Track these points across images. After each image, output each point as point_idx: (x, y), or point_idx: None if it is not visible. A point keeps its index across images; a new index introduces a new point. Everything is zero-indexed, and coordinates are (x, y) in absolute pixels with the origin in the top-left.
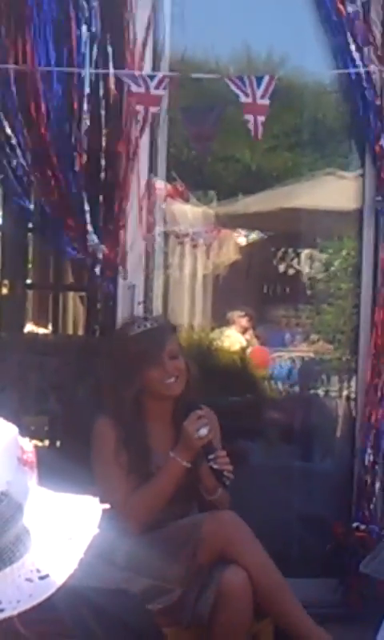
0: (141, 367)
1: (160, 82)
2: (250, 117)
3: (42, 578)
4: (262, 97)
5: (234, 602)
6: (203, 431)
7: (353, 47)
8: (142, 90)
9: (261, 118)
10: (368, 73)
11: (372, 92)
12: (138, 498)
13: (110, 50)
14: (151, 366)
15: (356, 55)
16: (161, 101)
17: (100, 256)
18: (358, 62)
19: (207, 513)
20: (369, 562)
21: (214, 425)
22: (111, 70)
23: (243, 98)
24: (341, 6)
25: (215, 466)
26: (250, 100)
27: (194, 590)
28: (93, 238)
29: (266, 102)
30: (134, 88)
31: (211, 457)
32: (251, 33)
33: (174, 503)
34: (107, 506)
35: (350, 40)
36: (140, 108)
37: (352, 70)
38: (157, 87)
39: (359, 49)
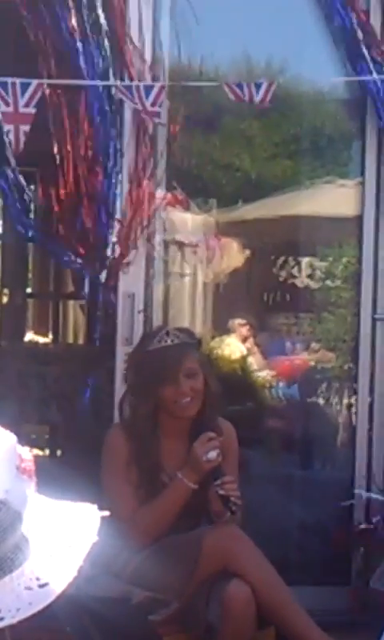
0: (156, 384)
1: (157, 95)
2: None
3: (41, 586)
4: (261, 101)
5: (238, 616)
6: (212, 454)
7: (353, 55)
8: (139, 106)
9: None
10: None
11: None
12: (144, 515)
13: (109, 60)
14: (166, 384)
15: (357, 63)
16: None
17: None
18: (360, 70)
19: (208, 527)
20: (379, 578)
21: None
22: (111, 82)
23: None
24: (341, 14)
25: (221, 492)
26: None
27: (199, 602)
28: (91, 249)
29: (266, 105)
30: (129, 104)
31: (217, 482)
32: (250, 41)
33: (182, 518)
34: (107, 513)
35: (350, 48)
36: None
37: (351, 79)
38: (155, 98)
39: (360, 56)
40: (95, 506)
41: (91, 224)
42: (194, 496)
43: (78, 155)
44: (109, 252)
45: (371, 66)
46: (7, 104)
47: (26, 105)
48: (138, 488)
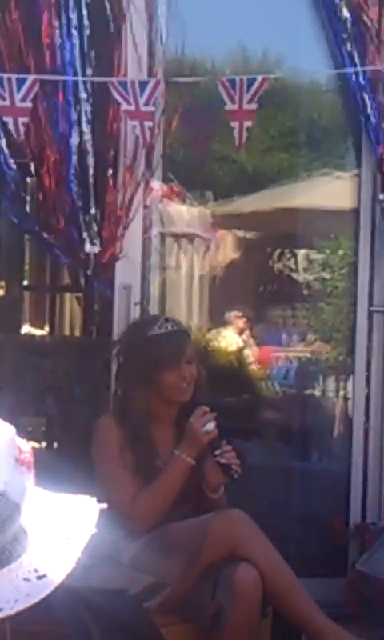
0: (158, 370)
1: (152, 91)
2: (235, 124)
3: (39, 577)
4: (250, 101)
5: (246, 600)
6: (210, 426)
7: (349, 47)
8: (133, 107)
9: (247, 124)
10: (364, 73)
11: (370, 92)
12: (145, 498)
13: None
14: (169, 370)
15: (353, 55)
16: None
17: (94, 255)
18: (355, 62)
19: (215, 512)
20: (366, 561)
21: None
22: (105, 78)
23: (229, 105)
24: (337, 6)
25: (223, 461)
26: (235, 107)
27: (204, 588)
28: (86, 241)
29: (254, 106)
30: (123, 104)
31: (217, 452)
32: (247, 33)
33: (174, 504)
34: (105, 505)
35: (346, 40)
36: (134, 123)
37: (348, 70)
38: (150, 94)
39: (355, 48)
40: (94, 499)
41: (85, 216)
42: (191, 474)
43: (68, 147)
44: (105, 244)
45: (357, 59)
46: (3, 98)
47: (23, 99)
48: (134, 473)
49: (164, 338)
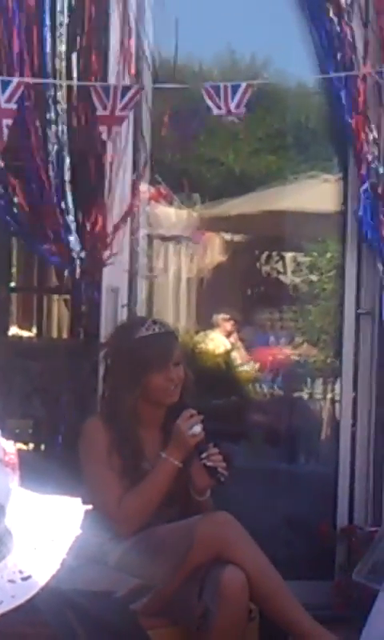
0: (146, 372)
1: (135, 93)
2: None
3: (24, 579)
4: (237, 107)
5: (233, 603)
6: (197, 429)
7: (335, 50)
8: (107, 112)
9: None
10: (351, 76)
11: (355, 95)
12: (131, 500)
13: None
14: (157, 371)
15: (338, 58)
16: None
17: (81, 257)
18: (340, 65)
19: (202, 515)
20: (360, 570)
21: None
22: (89, 83)
23: (216, 111)
24: (324, 10)
25: (209, 464)
26: (223, 112)
27: (192, 590)
28: (73, 244)
29: (241, 110)
30: (99, 109)
31: (204, 455)
32: (235, 36)
33: (161, 506)
34: (90, 507)
35: (333, 43)
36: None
37: (336, 75)
38: (130, 99)
39: (341, 51)
40: (79, 500)
41: (73, 219)
42: (177, 477)
43: (58, 148)
44: (92, 246)
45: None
46: None
47: (8, 100)
48: (121, 475)
49: (151, 340)
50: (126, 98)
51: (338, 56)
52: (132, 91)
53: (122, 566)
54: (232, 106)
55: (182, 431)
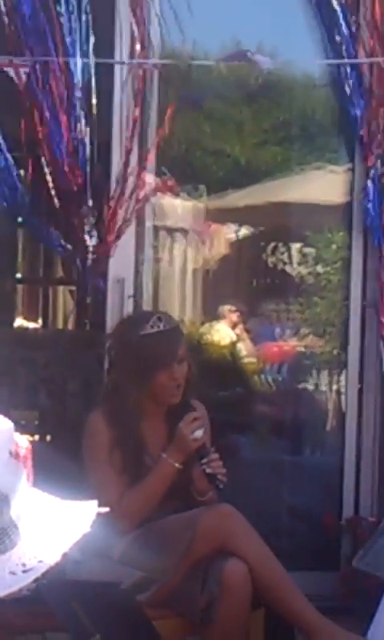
0: (150, 371)
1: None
2: None
3: (25, 571)
4: None
5: (235, 594)
6: (199, 433)
7: (341, 39)
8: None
9: None
10: (358, 65)
11: (362, 83)
12: (130, 498)
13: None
14: (161, 370)
15: (345, 47)
16: None
17: (91, 245)
18: (346, 54)
19: (204, 507)
20: (362, 558)
21: (205, 420)
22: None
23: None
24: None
25: (208, 470)
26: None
27: (195, 582)
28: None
29: None
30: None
31: (204, 461)
32: (240, 27)
33: (166, 499)
34: (106, 509)
35: (340, 32)
36: None
37: (343, 61)
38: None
39: (348, 41)
40: (95, 502)
41: (79, 209)
42: (178, 477)
43: (62, 140)
44: (98, 237)
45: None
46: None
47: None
48: (122, 472)
49: (155, 338)
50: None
51: (344, 46)
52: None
53: (126, 560)
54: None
55: (183, 434)
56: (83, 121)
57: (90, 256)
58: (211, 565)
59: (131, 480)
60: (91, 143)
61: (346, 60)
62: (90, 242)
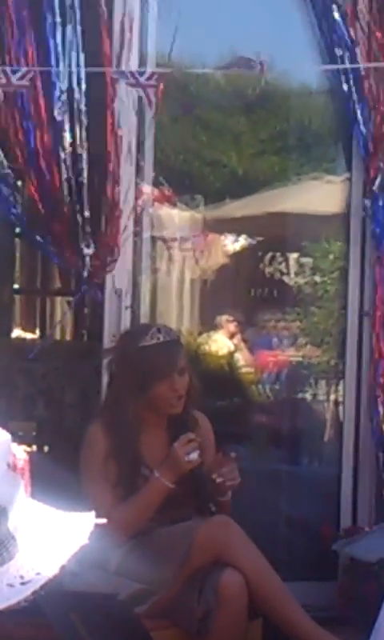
0: (150, 382)
1: (149, 78)
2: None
3: (23, 583)
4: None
5: (232, 605)
6: (193, 455)
7: (339, 50)
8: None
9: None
10: (355, 74)
11: (359, 93)
12: (120, 512)
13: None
14: (160, 381)
15: (342, 57)
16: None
17: (88, 256)
18: (345, 63)
19: (201, 518)
20: (345, 544)
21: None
22: (103, 69)
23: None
24: (328, 10)
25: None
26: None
27: (191, 593)
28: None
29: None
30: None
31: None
32: (238, 37)
33: (162, 511)
34: (104, 520)
35: (337, 42)
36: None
37: (339, 67)
38: (148, 79)
39: (346, 50)
40: (93, 514)
41: (77, 220)
42: (182, 486)
43: (62, 150)
44: (95, 248)
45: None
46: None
47: (20, 79)
48: (115, 485)
49: (155, 349)
50: (144, 76)
51: (344, 56)
52: (147, 73)
53: (123, 571)
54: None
55: (178, 456)
56: (79, 131)
57: (87, 267)
58: (208, 575)
59: (126, 492)
60: (88, 154)
61: (345, 65)
62: (87, 252)
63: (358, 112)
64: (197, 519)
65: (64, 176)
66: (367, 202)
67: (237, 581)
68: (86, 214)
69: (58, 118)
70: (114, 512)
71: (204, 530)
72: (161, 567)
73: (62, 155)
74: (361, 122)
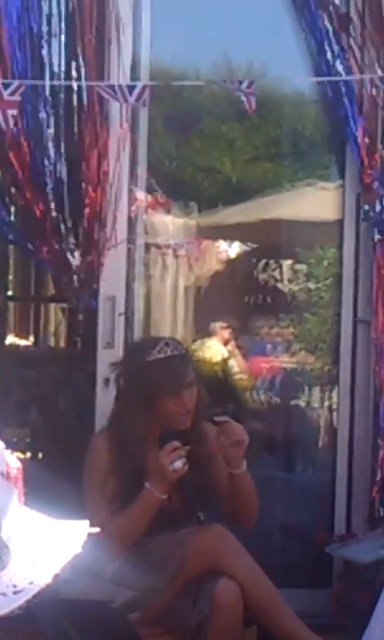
0: (157, 397)
1: (141, 93)
2: None
3: (15, 592)
4: (136, 100)
5: (227, 614)
6: (178, 464)
7: (331, 56)
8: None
9: None
10: (348, 82)
11: (352, 101)
12: (114, 525)
13: (85, 61)
14: (168, 396)
15: (336, 64)
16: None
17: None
18: (338, 71)
19: (194, 527)
20: (338, 548)
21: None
22: (93, 83)
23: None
24: (321, 17)
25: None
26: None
27: (186, 602)
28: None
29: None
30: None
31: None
32: (231, 44)
33: (157, 523)
34: (97, 529)
35: (330, 49)
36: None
37: (332, 78)
38: (138, 99)
39: (339, 58)
40: (87, 522)
41: (69, 227)
42: (168, 503)
43: (54, 157)
44: (88, 255)
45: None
46: None
47: (11, 94)
48: (114, 500)
49: (163, 363)
50: (135, 94)
51: (335, 63)
52: (138, 88)
53: (118, 579)
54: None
55: (163, 465)
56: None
57: (80, 274)
58: (202, 584)
59: (124, 507)
60: (80, 160)
61: (336, 77)
62: (79, 260)
63: (351, 121)
64: (190, 528)
65: (54, 183)
66: (366, 208)
67: (232, 590)
68: (78, 222)
69: (51, 123)
70: (108, 524)
71: (198, 538)
72: (155, 576)
73: (53, 162)
74: (353, 130)
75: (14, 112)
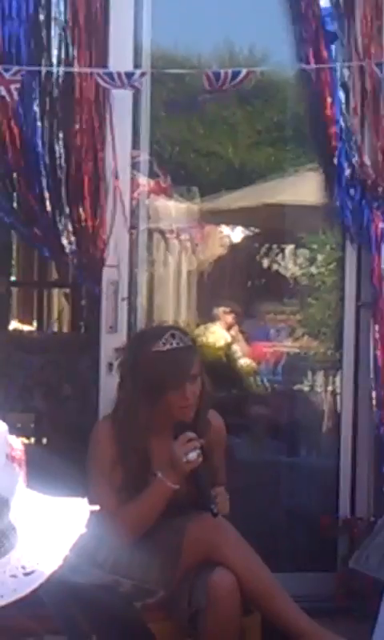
0: (161, 389)
1: (140, 76)
2: None
3: (26, 574)
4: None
5: (222, 605)
6: (192, 455)
7: (325, 42)
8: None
9: None
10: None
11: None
12: (125, 514)
13: (87, 46)
14: (172, 389)
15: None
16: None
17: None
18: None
19: (191, 518)
20: (358, 558)
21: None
22: (93, 69)
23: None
24: (309, 4)
25: (215, 510)
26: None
27: (182, 592)
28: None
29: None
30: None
31: (212, 504)
32: (233, 29)
33: (173, 512)
34: (97, 507)
35: (325, 35)
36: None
37: (328, 66)
38: (134, 84)
39: (333, 43)
40: (85, 500)
41: (73, 212)
42: (176, 494)
43: (57, 142)
44: (91, 240)
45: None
46: None
47: (13, 75)
48: (121, 488)
49: (168, 355)
50: (134, 81)
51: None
52: (137, 74)
53: (120, 568)
54: (230, 84)
55: (177, 456)
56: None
57: (83, 259)
58: (198, 575)
59: (131, 497)
60: (82, 146)
61: (332, 64)
62: (82, 245)
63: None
64: (185, 517)
65: (55, 168)
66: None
67: (227, 580)
68: (80, 207)
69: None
70: (120, 512)
71: (195, 528)
72: (155, 565)
73: (49, 147)
74: (341, 115)
75: (17, 85)
